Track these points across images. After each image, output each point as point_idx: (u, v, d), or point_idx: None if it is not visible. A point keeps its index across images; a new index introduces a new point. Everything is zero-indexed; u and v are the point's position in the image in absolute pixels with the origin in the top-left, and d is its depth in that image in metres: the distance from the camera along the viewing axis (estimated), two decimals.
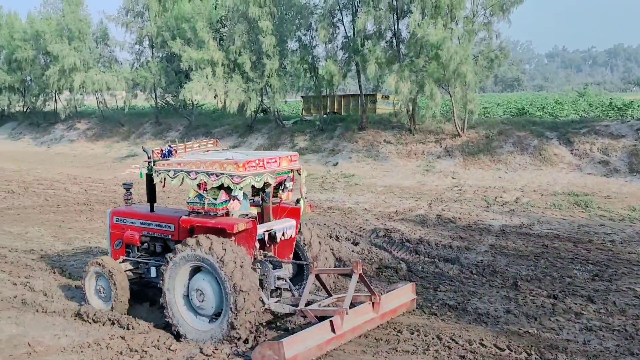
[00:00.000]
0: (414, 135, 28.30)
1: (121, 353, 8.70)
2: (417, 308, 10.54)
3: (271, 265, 9.66)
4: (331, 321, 8.70)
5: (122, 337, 9.15)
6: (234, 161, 9.02)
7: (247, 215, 9.93)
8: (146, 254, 10.96)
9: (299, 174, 10.11)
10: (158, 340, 9.03)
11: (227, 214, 9.40)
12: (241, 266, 8.73)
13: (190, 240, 9.07)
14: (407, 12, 27.36)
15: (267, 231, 9.81)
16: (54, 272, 12.98)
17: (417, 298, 10.96)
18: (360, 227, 16.97)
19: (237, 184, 8.95)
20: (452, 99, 26.58)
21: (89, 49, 42.22)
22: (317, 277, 9.86)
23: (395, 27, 28.13)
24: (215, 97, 39.52)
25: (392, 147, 28.10)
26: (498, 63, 26.95)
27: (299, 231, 10.45)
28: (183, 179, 9.46)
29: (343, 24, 30.34)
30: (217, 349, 8.65)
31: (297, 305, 9.20)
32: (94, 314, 10.01)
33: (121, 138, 41.87)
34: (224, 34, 35.97)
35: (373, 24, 27.90)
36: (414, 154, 27.09)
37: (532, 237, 15.74)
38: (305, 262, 10.28)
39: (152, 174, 10.01)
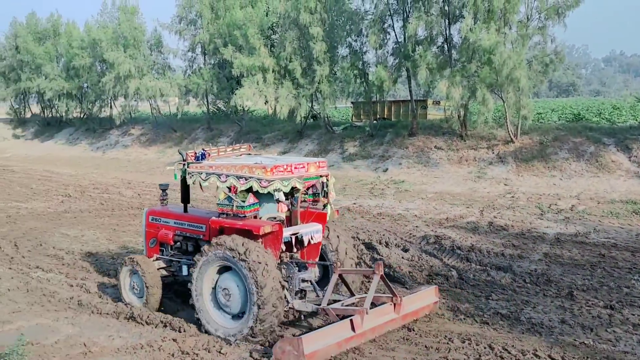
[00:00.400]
0: (465, 141, 27.92)
1: (173, 355, 8.80)
2: (468, 316, 10.41)
3: (296, 268, 9.97)
4: (351, 320, 8.90)
5: (174, 340, 9.27)
6: (262, 165, 9.32)
7: (274, 218, 10.22)
8: (179, 253, 11.31)
9: (327, 180, 10.38)
10: (208, 344, 9.12)
11: (256, 216, 9.72)
12: (265, 266, 9.01)
13: (218, 241, 9.44)
14: (459, 17, 27.05)
15: (294, 234, 10.07)
16: (109, 275, 13.29)
17: (468, 306, 10.83)
18: (410, 234, 16.82)
19: (264, 187, 9.22)
20: (504, 104, 26.10)
21: (144, 57, 43.14)
22: (341, 277, 10.15)
23: (447, 32, 27.84)
24: (265, 103, 39.85)
25: (443, 153, 27.79)
26: (553, 68, 26.32)
27: (325, 235, 10.69)
28: (214, 181, 9.80)
29: (394, 30, 30.23)
30: (266, 353, 8.68)
31: (320, 304, 9.46)
32: (147, 317, 10.22)
33: (174, 143, 42.59)
34: (275, 41, 36.26)
35: (424, 29, 27.65)
36: (465, 160, 26.72)
37: (588, 246, 15.32)
38: (329, 263, 10.54)
39: (185, 176, 10.38)
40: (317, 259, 10.56)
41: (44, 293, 12.11)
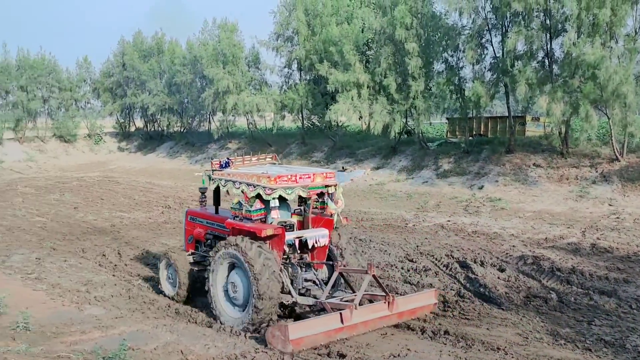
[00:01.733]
0: (566, 159, 26.85)
1: None
2: (569, 342, 9.98)
3: (303, 269, 11.28)
4: (341, 313, 9.91)
5: (266, 352, 9.35)
6: (267, 175, 10.76)
7: (285, 222, 11.41)
8: (210, 249, 12.36)
9: (335, 190, 11.54)
10: (300, 356, 9.14)
11: (265, 220, 10.99)
12: (262, 262, 10.27)
13: (227, 241, 10.89)
14: (561, 30, 26.20)
15: (298, 238, 11.29)
16: None
17: (569, 331, 10.38)
18: (507, 254, 16.32)
19: (269, 195, 10.60)
20: (609, 121, 24.96)
21: (242, 73, 44.13)
22: (342, 275, 11.36)
23: (548, 46, 26.99)
24: (360, 119, 39.91)
25: (542, 170, 26.81)
26: None
27: (333, 239, 11.77)
28: (231, 187, 11.44)
29: (492, 45, 29.58)
30: None
31: (319, 299, 10.60)
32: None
33: None
34: (370, 57, 36.33)
35: (524, 44, 26.90)
36: (566, 179, 25.66)
37: None
38: (330, 262, 11.49)
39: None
40: (324, 261, 11.66)
41: (144, 300, 12.58)
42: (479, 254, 16.03)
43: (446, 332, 10.37)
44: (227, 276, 11.03)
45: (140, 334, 10.22)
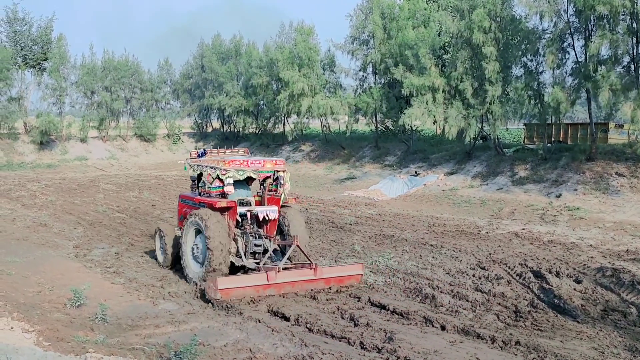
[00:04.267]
0: None
1: None
2: None
3: (253, 237, 13.80)
4: (267, 273, 12.54)
5: (332, 354, 9.36)
6: (222, 159, 13.95)
7: (243, 200, 14.50)
8: None
9: (283, 174, 14.52)
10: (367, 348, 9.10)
11: (224, 195, 13.87)
12: (215, 228, 13.10)
13: (194, 212, 13.90)
14: None
15: (249, 210, 14.20)
16: None
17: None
18: (584, 265, 15.76)
19: (223, 175, 13.68)
20: None
21: (317, 76, 44.49)
22: (279, 246, 14.09)
23: (635, 51, 25.94)
24: (434, 123, 39.50)
25: (625, 180, 25.75)
26: None
27: (284, 217, 14.53)
28: (201, 171, 14.52)
29: (574, 49, 28.67)
30: None
31: (259, 263, 13.31)
32: (310, 329, 10.47)
33: (341, 160, 43.47)
34: (446, 60, 35.92)
35: (608, 48, 26.00)
36: None
37: None
38: (271, 236, 14.05)
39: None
40: (274, 233, 14.33)
41: None
42: (554, 264, 15.56)
43: (517, 343, 10.10)
44: (194, 240, 13.88)
45: (211, 330, 10.45)
